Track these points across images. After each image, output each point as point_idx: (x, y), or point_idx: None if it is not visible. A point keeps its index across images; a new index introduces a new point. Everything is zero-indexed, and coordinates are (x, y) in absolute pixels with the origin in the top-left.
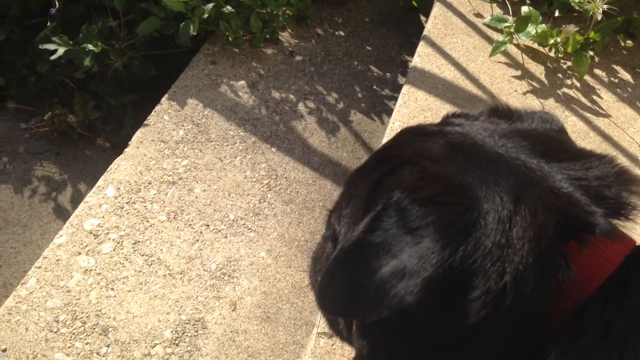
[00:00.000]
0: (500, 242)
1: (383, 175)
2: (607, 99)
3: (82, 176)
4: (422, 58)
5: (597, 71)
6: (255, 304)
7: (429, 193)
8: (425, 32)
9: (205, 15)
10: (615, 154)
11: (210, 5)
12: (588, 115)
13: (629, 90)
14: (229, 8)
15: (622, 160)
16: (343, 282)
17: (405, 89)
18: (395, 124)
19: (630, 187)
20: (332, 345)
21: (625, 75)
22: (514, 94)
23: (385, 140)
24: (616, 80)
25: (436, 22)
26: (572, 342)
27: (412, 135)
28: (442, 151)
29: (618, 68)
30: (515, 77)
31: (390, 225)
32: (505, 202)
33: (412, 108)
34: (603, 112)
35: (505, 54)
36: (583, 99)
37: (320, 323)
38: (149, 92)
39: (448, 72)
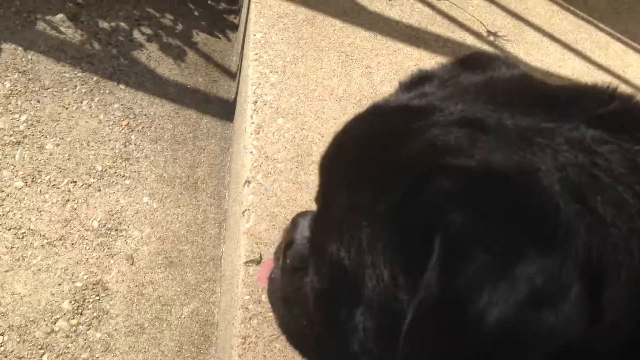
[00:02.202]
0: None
1: (405, 194)
2: None
3: None
4: None
5: None
6: (153, 252)
7: (499, 203)
8: None
9: None
10: (463, 34)
11: None
12: (430, 0)
13: None
14: None
15: (470, 40)
16: (438, 342)
17: None
18: (257, 36)
19: None
20: None
21: None
22: None
23: (250, 55)
24: None
25: None
26: None
27: (399, 119)
28: (459, 138)
29: None
30: None
31: (476, 262)
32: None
33: (269, 17)
34: None
35: None
36: None
37: (242, 253)
38: None
39: None
